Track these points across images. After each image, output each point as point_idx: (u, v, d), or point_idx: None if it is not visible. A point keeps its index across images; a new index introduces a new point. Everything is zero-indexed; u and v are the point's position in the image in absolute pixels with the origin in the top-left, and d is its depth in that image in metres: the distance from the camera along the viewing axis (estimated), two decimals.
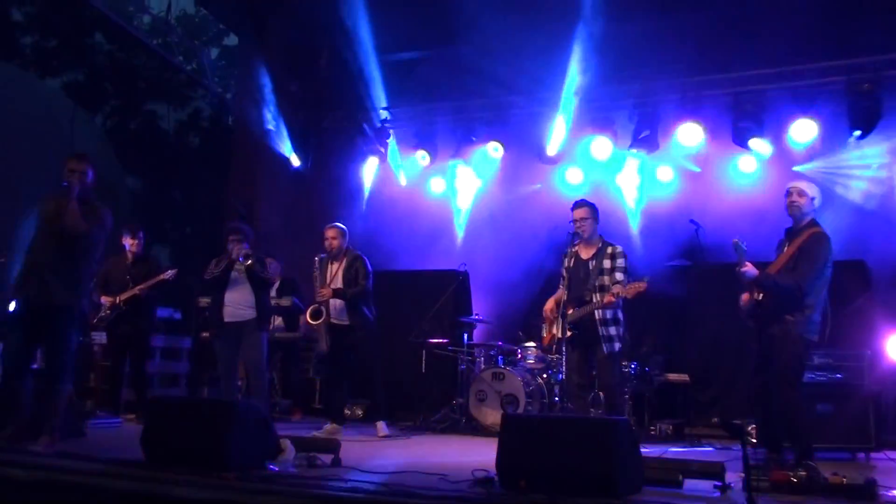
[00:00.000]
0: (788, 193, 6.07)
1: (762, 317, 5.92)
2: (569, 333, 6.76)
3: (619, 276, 6.79)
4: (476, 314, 9.82)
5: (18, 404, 5.78)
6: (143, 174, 22.21)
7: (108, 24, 13.58)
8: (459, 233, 11.40)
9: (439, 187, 11.55)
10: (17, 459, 5.03)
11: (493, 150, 11.01)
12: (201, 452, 4.93)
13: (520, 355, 9.01)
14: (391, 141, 11.56)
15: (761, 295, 5.91)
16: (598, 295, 6.78)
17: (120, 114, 22.31)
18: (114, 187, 15.13)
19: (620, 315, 6.86)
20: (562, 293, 6.90)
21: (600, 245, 6.94)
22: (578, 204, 7.10)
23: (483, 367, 9.03)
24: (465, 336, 9.40)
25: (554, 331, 6.95)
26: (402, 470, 5.31)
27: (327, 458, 5.48)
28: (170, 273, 8.68)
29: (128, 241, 8.83)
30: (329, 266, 8.15)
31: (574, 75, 9.96)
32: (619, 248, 6.91)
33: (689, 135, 9.90)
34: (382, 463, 5.81)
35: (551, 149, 10.63)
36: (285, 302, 9.60)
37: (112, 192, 14.90)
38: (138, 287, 8.60)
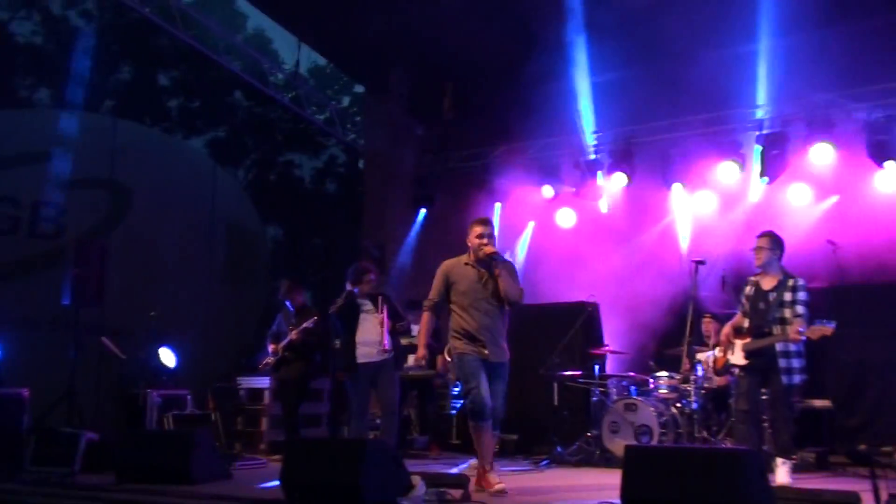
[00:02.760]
0: None
1: None
2: (745, 362, 6.81)
3: (800, 309, 6.64)
4: (606, 345, 9.76)
5: None
6: (283, 222, 23.19)
7: (245, 82, 14.35)
8: (587, 264, 11.34)
9: (565, 219, 11.57)
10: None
11: (617, 180, 10.97)
12: (336, 490, 5.12)
13: (652, 385, 8.87)
14: (517, 176, 11.67)
15: None
16: (778, 328, 6.66)
17: (259, 166, 23.46)
18: (255, 237, 15.77)
19: (803, 347, 6.71)
20: (740, 319, 6.99)
21: (781, 277, 6.83)
22: (761, 234, 7.08)
23: (615, 398, 8.96)
24: (597, 367, 9.35)
25: (729, 355, 7.03)
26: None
27: (457, 492, 5.59)
28: (310, 322, 9.03)
29: (289, 303, 9.38)
30: None
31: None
32: (801, 282, 6.76)
33: (821, 154, 9.60)
34: (511, 496, 5.86)
35: (678, 176, 10.58)
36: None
37: (253, 242, 15.55)
38: (293, 334, 9.04)
